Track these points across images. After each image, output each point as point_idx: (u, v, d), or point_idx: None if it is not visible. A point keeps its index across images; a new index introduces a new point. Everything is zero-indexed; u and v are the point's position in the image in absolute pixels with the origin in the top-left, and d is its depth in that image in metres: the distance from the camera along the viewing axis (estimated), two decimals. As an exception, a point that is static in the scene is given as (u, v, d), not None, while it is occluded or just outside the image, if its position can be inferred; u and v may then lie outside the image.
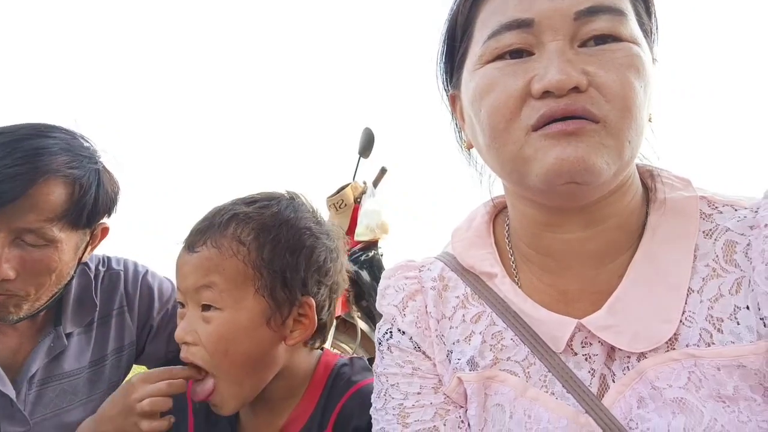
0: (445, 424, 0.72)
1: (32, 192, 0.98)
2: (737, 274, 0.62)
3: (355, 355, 1.01)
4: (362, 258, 2.76)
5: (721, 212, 0.66)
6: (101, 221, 1.16)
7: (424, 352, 0.76)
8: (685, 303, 0.62)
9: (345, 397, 0.95)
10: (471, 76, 0.64)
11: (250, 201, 0.95)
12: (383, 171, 2.87)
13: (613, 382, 0.64)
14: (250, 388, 0.91)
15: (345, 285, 1.03)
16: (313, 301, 0.93)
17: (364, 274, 2.71)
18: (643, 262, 0.64)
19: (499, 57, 0.60)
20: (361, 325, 2.72)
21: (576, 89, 0.56)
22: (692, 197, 0.66)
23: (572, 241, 0.66)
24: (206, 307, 0.89)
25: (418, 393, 0.75)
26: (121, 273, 1.32)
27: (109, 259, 1.34)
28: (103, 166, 1.15)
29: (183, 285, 0.92)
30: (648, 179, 0.70)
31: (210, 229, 0.91)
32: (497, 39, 0.60)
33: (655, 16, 0.66)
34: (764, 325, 0.58)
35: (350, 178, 2.91)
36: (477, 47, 0.63)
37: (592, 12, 0.57)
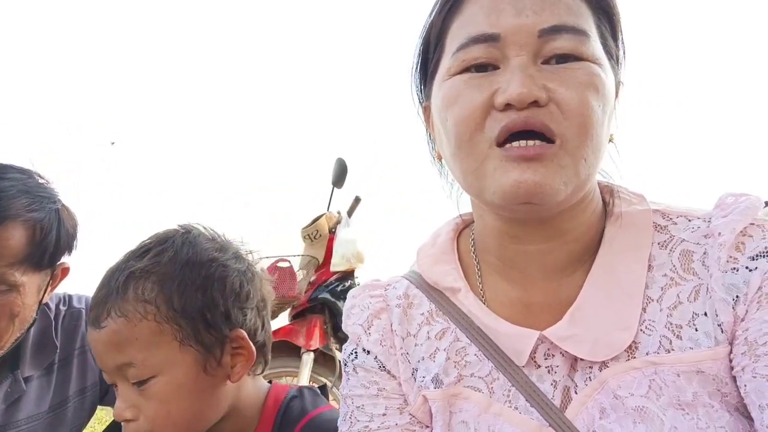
0: None
1: None
2: (695, 281, 0.63)
3: (306, 385, 0.96)
4: (339, 288, 2.72)
5: (676, 223, 0.68)
6: (62, 261, 1.14)
7: (389, 372, 0.76)
8: (645, 311, 0.64)
9: (296, 430, 0.91)
10: (440, 87, 0.66)
11: (142, 252, 0.89)
12: (357, 200, 2.85)
13: (576, 393, 0.65)
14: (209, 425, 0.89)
15: (272, 297, 0.99)
16: (242, 332, 0.89)
17: (341, 305, 2.66)
18: (601, 273, 0.66)
19: (466, 69, 0.62)
20: (340, 356, 2.61)
21: (536, 103, 0.58)
22: (645, 210, 0.69)
23: (535, 253, 0.67)
24: (137, 383, 0.83)
25: (384, 414, 0.74)
26: (83, 311, 1.27)
27: (70, 297, 1.29)
28: (62, 204, 1.13)
29: (103, 366, 0.86)
30: (607, 195, 0.73)
31: (110, 297, 0.84)
32: (465, 51, 0.62)
33: (621, 41, 0.68)
34: (721, 331, 0.60)
35: (325, 208, 2.86)
36: (446, 59, 0.65)
37: (555, 30, 0.59)
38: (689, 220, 0.67)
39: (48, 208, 1.07)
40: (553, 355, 0.66)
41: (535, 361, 0.67)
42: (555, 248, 0.67)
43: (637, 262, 0.65)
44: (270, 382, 1.02)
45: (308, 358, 2.55)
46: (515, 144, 0.59)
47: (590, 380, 0.64)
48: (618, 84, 0.68)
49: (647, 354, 0.62)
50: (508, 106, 0.58)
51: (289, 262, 2.67)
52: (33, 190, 1.07)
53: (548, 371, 0.66)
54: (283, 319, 2.81)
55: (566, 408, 0.65)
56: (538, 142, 0.58)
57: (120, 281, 0.84)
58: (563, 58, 0.60)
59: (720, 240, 0.63)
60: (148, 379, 0.83)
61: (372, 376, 0.76)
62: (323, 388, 1.04)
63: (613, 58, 0.66)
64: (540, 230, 0.66)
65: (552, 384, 0.66)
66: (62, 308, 1.26)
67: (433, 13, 0.69)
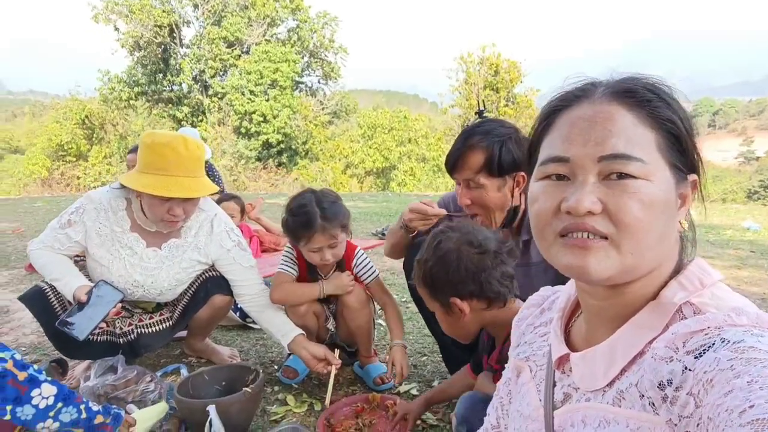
0: (508, 381, 1.13)
1: (464, 158, 1.92)
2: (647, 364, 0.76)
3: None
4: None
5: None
6: (516, 173, 1.93)
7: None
8: (621, 375, 0.80)
9: None
10: (532, 183, 0.87)
11: (426, 246, 1.63)
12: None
13: (569, 402, 0.89)
14: (470, 337, 1.71)
15: (489, 264, 1.56)
16: (457, 299, 1.57)
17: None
18: (620, 336, 0.83)
19: (547, 177, 0.83)
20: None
21: (590, 213, 0.75)
22: (674, 304, 0.77)
23: (595, 306, 0.88)
24: None
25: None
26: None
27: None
28: (509, 138, 1.91)
29: None
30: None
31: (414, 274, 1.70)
32: (545, 166, 0.83)
33: (694, 154, 0.80)
34: (650, 404, 0.72)
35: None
36: (537, 166, 0.86)
37: (611, 158, 0.76)
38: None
39: (492, 140, 1.90)
40: (573, 370, 0.90)
41: (563, 369, 0.93)
42: (607, 307, 0.86)
43: (642, 340, 0.79)
44: None
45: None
46: (574, 235, 0.81)
47: (580, 400, 0.87)
48: (692, 183, 0.80)
49: (607, 402, 0.80)
50: (569, 212, 0.81)
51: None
52: (490, 131, 1.92)
53: (567, 377, 0.92)
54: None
55: (561, 406, 0.90)
56: (591, 235, 0.79)
57: (415, 265, 1.67)
58: (620, 176, 0.77)
59: (664, 335, 0.74)
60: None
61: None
62: None
63: (679, 167, 0.78)
64: (598, 293, 0.86)
65: (561, 387, 0.92)
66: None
67: (534, 129, 0.91)
